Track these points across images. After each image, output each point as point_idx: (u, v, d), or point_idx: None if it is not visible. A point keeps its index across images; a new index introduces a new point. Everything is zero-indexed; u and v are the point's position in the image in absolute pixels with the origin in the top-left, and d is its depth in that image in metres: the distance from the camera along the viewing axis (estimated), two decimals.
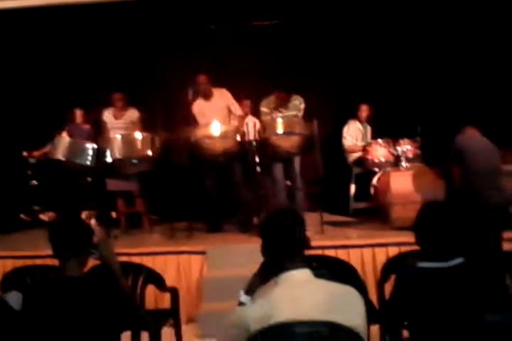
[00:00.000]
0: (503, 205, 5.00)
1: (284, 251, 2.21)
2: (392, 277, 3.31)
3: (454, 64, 7.31)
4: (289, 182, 6.25)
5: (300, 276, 2.18)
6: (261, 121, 6.24)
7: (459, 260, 2.51)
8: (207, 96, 6.27)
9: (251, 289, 2.36)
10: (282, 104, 6.15)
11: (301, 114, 6.22)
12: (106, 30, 7.62)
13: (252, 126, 6.01)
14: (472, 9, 7.12)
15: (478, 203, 4.90)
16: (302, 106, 6.21)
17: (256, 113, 6.90)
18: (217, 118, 5.99)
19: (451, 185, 5.57)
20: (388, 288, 3.26)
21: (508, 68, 7.05)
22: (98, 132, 6.76)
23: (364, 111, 7.19)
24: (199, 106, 6.33)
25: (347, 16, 7.49)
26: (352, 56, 7.62)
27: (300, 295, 2.12)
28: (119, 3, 6.50)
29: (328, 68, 7.66)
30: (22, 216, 7.12)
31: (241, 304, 2.35)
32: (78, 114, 7.06)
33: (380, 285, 3.56)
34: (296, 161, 6.24)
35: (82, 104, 7.19)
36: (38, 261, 4.91)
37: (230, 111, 6.29)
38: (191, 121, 6.35)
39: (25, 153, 7.02)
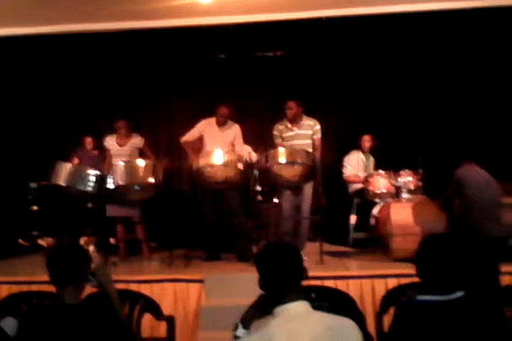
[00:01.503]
0: (502, 238, 4.98)
1: (281, 284, 2.20)
2: (392, 309, 3.29)
3: (455, 98, 7.39)
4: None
5: (297, 309, 2.17)
6: (270, 147, 6.32)
7: (459, 293, 2.48)
8: (220, 124, 6.37)
9: (247, 322, 2.34)
10: (292, 117, 6.24)
11: (317, 136, 6.33)
12: (112, 58, 7.72)
13: (245, 153, 6.06)
14: (472, 45, 7.23)
15: (478, 236, 4.88)
16: (317, 127, 6.32)
17: (257, 141, 6.99)
18: (220, 147, 6.06)
19: (452, 217, 5.56)
20: (387, 320, 3.24)
21: (507, 103, 7.13)
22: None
23: (367, 141, 7.22)
24: (207, 127, 6.41)
25: (351, 48, 7.59)
26: (356, 87, 7.72)
27: (297, 327, 2.10)
28: (125, 33, 6.58)
29: (332, 99, 7.74)
30: (20, 241, 7.10)
31: (236, 338, 2.33)
32: (88, 141, 7.11)
33: (378, 317, 3.53)
34: (308, 190, 6.25)
35: (87, 131, 7.24)
36: (34, 287, 4.89)
37: (233, 146, 6.37)
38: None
39: None
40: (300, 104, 6.26)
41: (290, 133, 6.29)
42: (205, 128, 6.43)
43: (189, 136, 6.46)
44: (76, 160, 6.81)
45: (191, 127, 6.52)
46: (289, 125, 6.30)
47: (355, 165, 7.17)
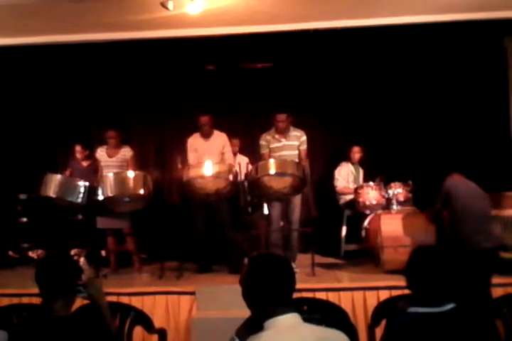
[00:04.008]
0: (492, 249, 5.00)
1: (271, 298, 2.18)
2: (383, 321, 3.29)
3: (444, 111, 7.45)
4: (282, 223, 6.26)
5: (288, 321, 2.15)
6: (258, 158, 6.35)
7: (450, 305, 2.49)
8: (206, 135, 6.35)
9: (243, 336, 2.30)
10: (282, 129, 6.25)
11: (303, 147, 6.32)
12: (103, 69, 7.71)
13: (243, 165, 6.05)
14: (459, 58, 7.33)
15: (468, 247, 4.90)
16: (304, 138, 6.32)
17: (246, 152, 7.00)
18: (209, 158, 6.05)
19: (441, 229, 5.59)
20: (379, 332, 3.24)
21: (492, 116, 7.22)
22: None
23: (356, 152, 7.24)
24: (195, 142, 6.38)
25: (340, 60, 7.62)
26: (345, 100, 7.74)
27: (288, 340, 2.09)
28: (114, 44, 6.58)
29: (321, 111, 7.77)
30: (10, 253, 7.06)
31: None
32: (78, 149, 7.08)
33: (370, 329, 3.53)
34: (297, 202, 6.26)
35: (77, 141, 7.22)
36: (25, 300, 4.87)
37: (222, 155, 6.35)
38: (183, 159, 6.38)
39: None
40: (290, 116, 6.29)
41: (277, 145, 6.29)
42: (193, 142, 6.41)
43: (192, 159, 6.36)
44: (68, 172, 6.79)
45: (181, 138, 6.50)
46: (277, 136, 6.31)
47: (345, 176, 7.19)
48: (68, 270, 2.69)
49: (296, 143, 6.30)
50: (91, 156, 6.92)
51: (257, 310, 2.22)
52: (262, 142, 6.36)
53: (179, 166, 6.26)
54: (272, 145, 6.30)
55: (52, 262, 2.74)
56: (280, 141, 6.29)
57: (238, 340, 2.29)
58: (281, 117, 6.22)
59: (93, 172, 6.72)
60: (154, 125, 8.17)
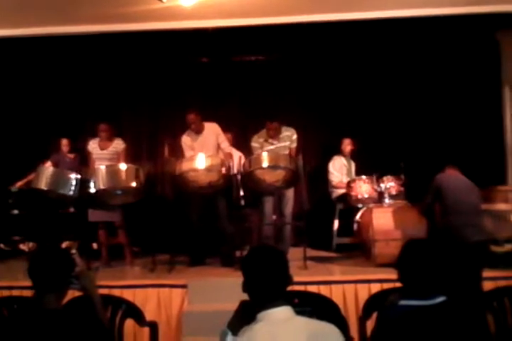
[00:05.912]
0: (482, 243, 5.02)
1: (265, 289, 2.20)
2: (374, 314, 3.30)
3: (437, 104, 7.47)
4: (274, 217, 6.27)
5: (281, 314, 2.17)
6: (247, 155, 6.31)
7: (441, 298, 2.50)
8: (197, 131, 6.29)
9: (236, 328, 2.31)
10: (274, 135, 6.25)
11: (293, 145, 6.34)
12: (95, 61, 7.69)
13: (236, 159, 6.04)
14: (452, 51, 7.34)
15: (459, 241, 4.92)
16: (294, 137, 6.33)
17: (239, 146, 6.97)
18: (205, 152, 6.00)
19: (433, 223, 5.61)
20: (370, 324, 3.24)
21: (484, 110, 7.23)
22: (83, 162, 6.75)
23: (347, 144, 7.23)
24: (188, 140, 6.33)
25: (332, 52, 7.64)
26: (338, 92, 7.75)
27: (280, 333, 2.10)
28: (109, 35, 6.55)
29: (313, 103, 7.76)
30: (1, 245, 7.03)
31: None
32: (64, 143, 7.09)
33: (361, 322, 3.53)
34: (290, 195, 6.26)
35: (67, 133, 7.21)
36: (16, 292, 4.85)
37: (218, 146, 6.31)
38: (178, 153, 6.35)
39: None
40: (281, 121, 6.28)
41: (270, 147, 6.28)
42: (187, 140, 6.34)
43: (189, 154, 6.29)
44: (49, 164, 6.76)
45: (174, 130, 6.46)
46: (270, 139, 6.31)
47: (338, 170, 7.19)
48: (63, 262, 2.68)
49: (288, 143, 6.31)
50: (77, 149, 6.91)
51: (252, 300, 2.24)
52: (254, 144, 6.34)
53: (166, 155, 6.26)
54: (265, 148, 6.27)
55: (45, 257, 2.71)
56: (273, 144, 6.29)
57: (231, 333, 2.29)
58: (273, 125, 6.23)
59: (79, 164, 6.72)
60: (147, 118, 8.15)
